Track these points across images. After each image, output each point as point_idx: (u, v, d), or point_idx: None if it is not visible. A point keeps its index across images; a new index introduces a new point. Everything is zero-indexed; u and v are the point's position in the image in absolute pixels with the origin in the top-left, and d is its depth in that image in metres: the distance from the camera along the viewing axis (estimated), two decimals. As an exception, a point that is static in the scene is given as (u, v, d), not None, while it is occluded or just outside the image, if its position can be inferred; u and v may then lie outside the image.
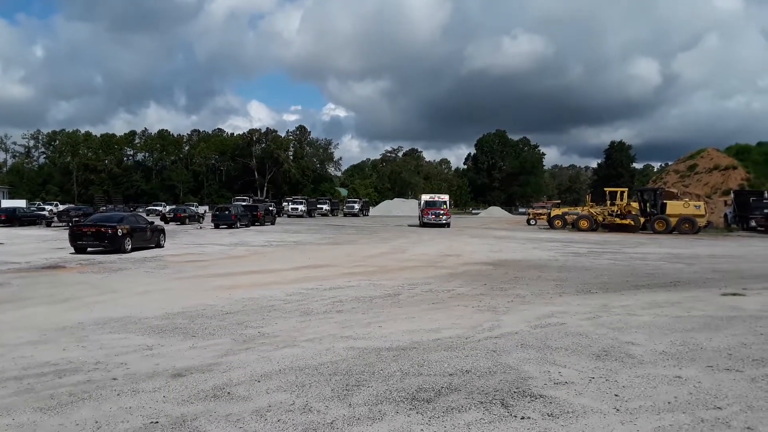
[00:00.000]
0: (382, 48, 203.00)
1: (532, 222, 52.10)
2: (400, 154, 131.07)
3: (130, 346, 7.32)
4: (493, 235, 34.34)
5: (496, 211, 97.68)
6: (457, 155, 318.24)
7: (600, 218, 39.56)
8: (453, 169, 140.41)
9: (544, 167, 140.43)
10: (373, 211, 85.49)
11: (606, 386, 5.81)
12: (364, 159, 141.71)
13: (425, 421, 4.83)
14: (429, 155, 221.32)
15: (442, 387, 5.70)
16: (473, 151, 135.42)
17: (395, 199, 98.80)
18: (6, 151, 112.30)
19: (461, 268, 16.83)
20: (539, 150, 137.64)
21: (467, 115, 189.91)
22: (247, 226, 41.19)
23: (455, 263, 18.16)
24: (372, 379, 5.94)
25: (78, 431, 4.54)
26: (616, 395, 5.53)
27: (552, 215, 44.51)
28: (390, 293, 11.82)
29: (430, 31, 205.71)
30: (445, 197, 47.29)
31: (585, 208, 42.86)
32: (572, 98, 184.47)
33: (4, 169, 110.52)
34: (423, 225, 43.49)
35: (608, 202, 40.31)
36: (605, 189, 43.15)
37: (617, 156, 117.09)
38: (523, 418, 4.94)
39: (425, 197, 46.92)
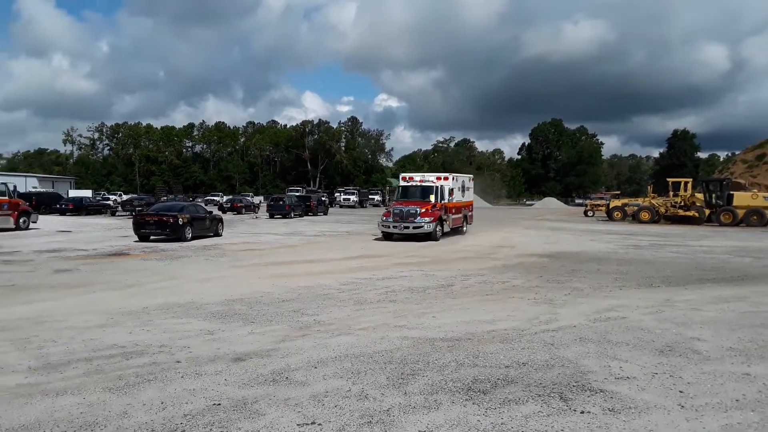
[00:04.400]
0: (436, 37, 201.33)
1: (590, 213, 50.66)
2: (452, 145, 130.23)
3: (192, 331, 7.57)
4: (548, 227, 33.64)
5: (551, 203, 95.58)
6: (511, 145, 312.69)
7: (662, 210, 38.14)
8: (506, 159, 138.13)
9: (603, 157, 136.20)
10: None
11: (670, 382, 5.61)
12: (416, 149, 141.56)
13: (482, 412, 4.79)
14: (482, 145, 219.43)
15: (499, 379, 5.64)
16: (527, 140, 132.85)
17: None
18: (73, 143, 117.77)
19: (515, 259, 16.57)
20: (597, 139, 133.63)
21: (522, 103, 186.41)
22: (300, 216, 41.89)
23: (509, 255, 17.89)
24: (427, 368, 5.94)
25: (145, 411, 4.73)
26: (680, 392, 5.34)
27: (611, 206, 43.15)
28: (443, 284, 11.76)
29: (485, 19, 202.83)
30: (442, 181, 24.15)
31: (646, 199, 41.33)
32: (634, 85, 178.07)
33: (71, 160, 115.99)
34: (385, 237, 22.83)
35: (671, 193, 38.79)
36: (668, 179, 41.46)
37: (681, 145, 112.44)
38: (582, 412, 4.83)
39: (402, 181, 25.23)
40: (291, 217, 40.13)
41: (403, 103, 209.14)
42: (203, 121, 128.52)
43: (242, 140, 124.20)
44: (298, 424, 4.46)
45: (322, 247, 20.80)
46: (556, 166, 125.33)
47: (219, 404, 4.88)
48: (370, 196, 73.58)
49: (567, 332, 7.63)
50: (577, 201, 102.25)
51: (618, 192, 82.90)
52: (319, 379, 5.60)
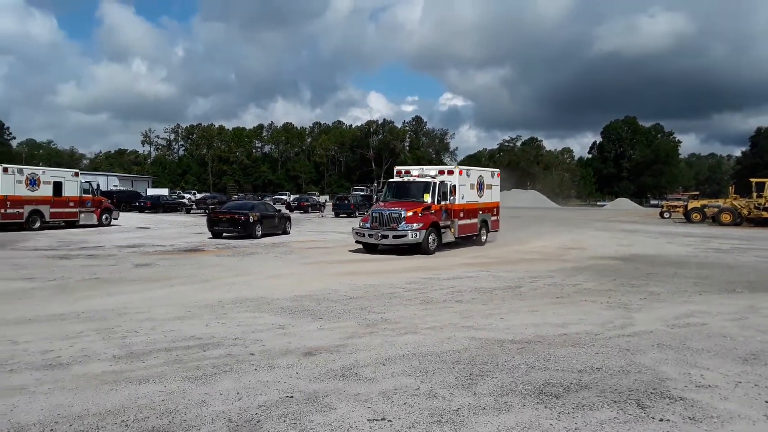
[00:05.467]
0: (504, 34, 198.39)
1: (666, 215, 48.42)
2: (518, 144, 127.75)
3: (264, 325, 7.79)
4: (621, 228, 32.42)
5: (624, 203, 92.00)
6: (582, 144, 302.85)
7: (745, 212, 35.99)
8: (576, 158, 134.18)
9: (680, 156, 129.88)
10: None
11: (755, 392, 5.30)
12: (481, 149, 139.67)
13: (554, 416, 4.67)
14: (550, 144, 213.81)
15: (571, 383, 5.49)
16: (599, 139, 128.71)
17: (513, 189, 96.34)
18: (150, 144, 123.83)
19: (587, 261, 16.08)
20: (674, 137, 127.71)
21: (593, 101, 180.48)
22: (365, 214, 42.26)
23: (580, 257, 17.38)
24: (496, 370, 5.86)
25: (222, 400, 4.91)
26: (766, 402, 5.03)
27: (689, 208, 41.10)
28: (510, 285, 11.57)
29: (555, 15, 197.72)
30: (445, 176, 18.78)
31: (727, 200, 39.09)
32: (714, 80, 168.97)
33: (149, 160, 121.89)
34: (367, 249, 17.88)
35: (754, 194, 36.54)
36: (751, 179, 39.06)
37: (765, 143, 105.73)
38: (661, 420, 4.63)
39: (396, 177, 19.69)
40: (356, 216, 40.53)
41: (468, 102, 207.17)
42: (272, 122, 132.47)
43: (309, 140, 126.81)
44: (368, 420, 4.51)
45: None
46: (630, 166, 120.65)
47: (291, 397, 5.00)
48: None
49: (643, 338, 7.33)
50: (652, 202, 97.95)
51: (696, 192, 78.70)
52: (387, 376, 5.63)
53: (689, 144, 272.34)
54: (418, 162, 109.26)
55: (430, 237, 17.21)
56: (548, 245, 21.28)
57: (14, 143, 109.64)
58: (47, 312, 8.52)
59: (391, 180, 19.73)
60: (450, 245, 18.90)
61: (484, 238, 20.71)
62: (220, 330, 7.48)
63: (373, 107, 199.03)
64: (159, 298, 9.93)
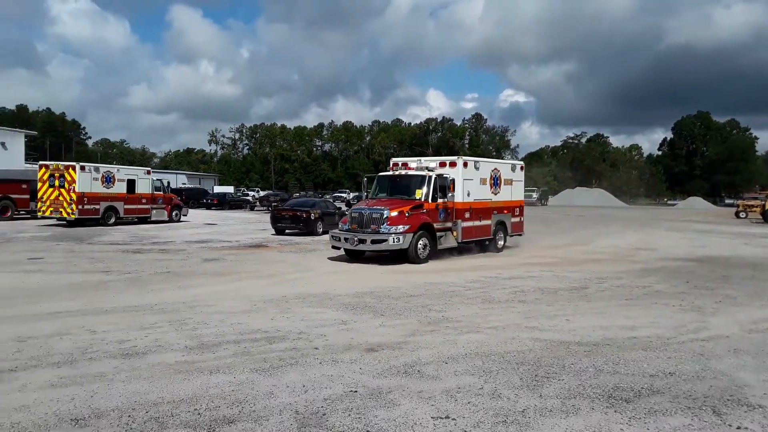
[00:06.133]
0: (568, 28, 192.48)
1: (742, 215, 45.88)
2: (583, 140, 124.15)
3: (327, 320, 7.91)
4: (693, 229, 30.96)
5: (696, 202, 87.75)
6: (651, 140, 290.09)
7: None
8: (645, 155, 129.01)
9: (757, 153, 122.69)
10: (552, 200, 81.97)
11: None
12: (543, 146, 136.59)
13: (625, 420, 4.52)
14: (617, 141, 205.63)
15: (642, 388, 5.29)
16: (669, 135, 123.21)
17: (577, 188, 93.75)
18: (216, 143, 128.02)
19: (657, 263, 15.45)
20: (751, 133, 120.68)
21: (663, 96, 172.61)
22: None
23: (649, 258, 16.72)
24: (563, 372, 5.72)
25: (288, 393, 5.02)
26: None
27: (767, 207, 38.81)
28: (576, 286, 11.26)
29: (623, 7, 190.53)
30: (447, 169, 15.98)
31: (811, 199, 36.66)
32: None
33: (215, 158, 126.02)
34: (351, 256, 15.54)
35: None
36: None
37: None
38: (738, 428, 4.41)
39: (388, 171, 17.05)
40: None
41: (530, 98, 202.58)
42: (332, 120, 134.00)
43: (368, 139, 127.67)
44: (432, 417, 4.50)
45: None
46: (702, 163, 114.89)
47: (356, 391, 5.05)
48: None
49: (719, 342, 6.99)
50: (727, 201, 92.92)
51: (775, 191, 74.29)
52: (450, 374, 5.60)
53: (767, 140, 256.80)
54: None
55: (419, 242, 14.36)
56: (617, 245, 20.58)
57: (90, 143, 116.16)
58: (123, 303, 8.96)
59: (381, 174, 16.80)
60: (452, 251, 16.14)
61: (502, 243, 17.71)
62: (285, 324, 7.66)
63: (433, 105, 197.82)
64: (226, 291, 10.26)
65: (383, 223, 14.19)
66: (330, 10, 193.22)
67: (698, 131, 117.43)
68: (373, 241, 14.11)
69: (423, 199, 14.91)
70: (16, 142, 48.60)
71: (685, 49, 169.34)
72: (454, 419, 4.47)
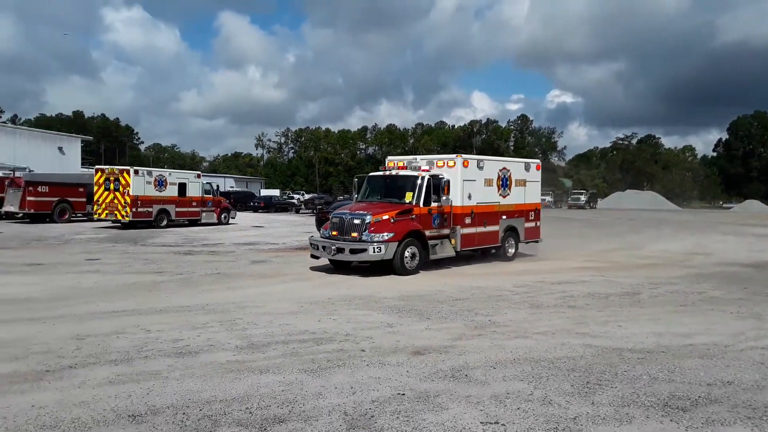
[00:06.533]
0: (618, 27, 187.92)
1: (803, 218, 43.78)
2: (634, 141, 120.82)
3: (373, 323, 7.94)
4: (752, 233, 29.65)
5: (753, 206, 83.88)
6: (705, 141, 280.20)
7: None
8: (699, 156, 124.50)
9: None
10: (601, 203, 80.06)
11: None
12: (592, 147, 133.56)
13: (681, 430, 4.37)
14: (669, 142, 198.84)
15: (700, 396, 5.11)
16: (725, 136, 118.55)
17: (627, 190, 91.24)
18: (263, 147, 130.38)
19: (712, 268, 14.88)
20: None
21: (718, 95, 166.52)
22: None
23: (704, 263, 16.12)
24: (615, 379, 5.57)
25: (337, 394, 5.06)
26: None
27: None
28: (628, 291, 10.96)
29: (674, 4, 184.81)
30: (444, 169, 14.40)
31: None
32: None
33: (262, 162, 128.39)
34: (335, 265, 13.94)
35: None
36: None
37: None
38: (808, 444, 4.19)
39: (383, 169, 15.62)
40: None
41: (578, 99, 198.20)
42: (375, 124, 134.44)
43: (411, 141, 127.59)
44: (481, 422, 4.45)
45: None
46: (760, 165, 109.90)
47: (403, 394, 5.05)
48: (541, 198, 70.95)
49: (783, 352, 6.67)
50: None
51: (842, 194, 70.47)
52: (498, 379, 5.53)
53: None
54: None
55: (406, 251, 12.80)
56: (670, 249, 19.93)
57: (142, 147, 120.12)
58: (175, 303, 9.23)
59: (372, 174, 15.32)
60: (452, 260, 14.57)
61: (512, 251, 16.06)
62: (332, 326, 7.72)
63: (477, 107, 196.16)
64: (273, 293, 10.43)
65: (365, 230, 12.64)
66: (373, 13, 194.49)
67: (755, 131, 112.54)
68: (352, 251, 12.56)
69: (414, 203, 13.42)
70: (73, 147, 50.75)
71: (741, 46, 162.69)
72: (503, 425, 4.42)
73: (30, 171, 34.27)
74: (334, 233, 13.09)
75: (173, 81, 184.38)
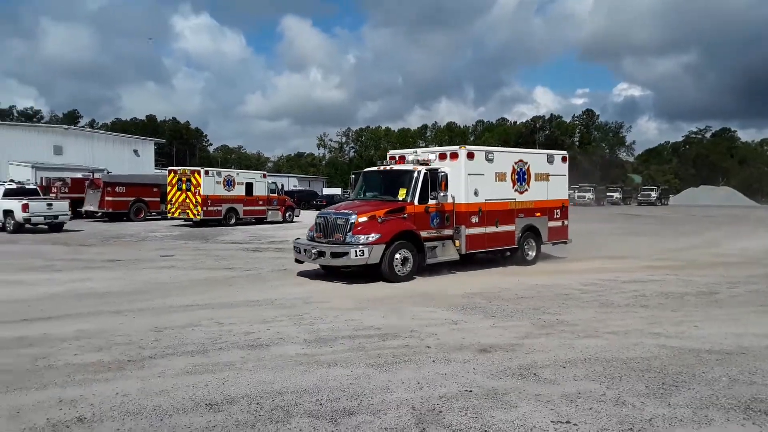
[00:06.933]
0: (688, 16, 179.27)
1: None
2: (707, 135, 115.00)
3: (437, 319, 7.95)
4: (840, 230, 27.69)
5: (842, 202, 78.43)
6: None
7: None
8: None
9: None
10: (673, 199, 76.57)
11: None
12: (663, 142, 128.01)
13: (767, 437, 4.16)
14: (746, 135, 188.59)
15: (787, 402, 4.83)
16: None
17: (701, 186, 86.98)
18: (324, 146, 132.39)
19: (797, 267, 13.99)
20: None
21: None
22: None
23: (788, 261, 15.18)
24: (693, 381, 5.35)
25: (404, 389, 5.11)
26: None
27: None
28: (704, 291, 10.47)
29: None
30: (447, 162, 13.00)
31: None
32: None
33: (323, 162, 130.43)
34: (326, 270, 12.54)
35: None
36: None
37: None
38: None
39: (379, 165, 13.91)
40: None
41: (647, 92, 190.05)
42: (435, 122, 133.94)
43: (471, 139, 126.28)
44: (552, 421, 4.38)
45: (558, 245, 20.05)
46: None
47: (471, 391, 5.04)
48: (608, 194, 68.83)
49: None
50: None
51: None
52: (569, 379, 5.42)
53: None
54: (590, 158, 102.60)
55: (396, 255, 11.34)
56: (749, 247, 18.87)
57: (211, 149, 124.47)
58: (245, 298, 9.54)
59: (368, 170, 14.00)
60: (483, 262, 13.75)
61: (533, 253, 14.29)
62: (396, 321, 7.78)
63: (540, 102, 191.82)
64: (337, 289, 10.60)
65: (348, 231, 11.32)
66: (433, 11, 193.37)
67: None
68: (333, 254, 11.19)
69: (408, 200, 12.04)
70: (147, 149, 53.28)
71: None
72: (575, 425, 4.33)
73: (108, 173, 36.23)
74: (319, 235, 11.95)
75: (239, 85, 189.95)
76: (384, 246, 11.18)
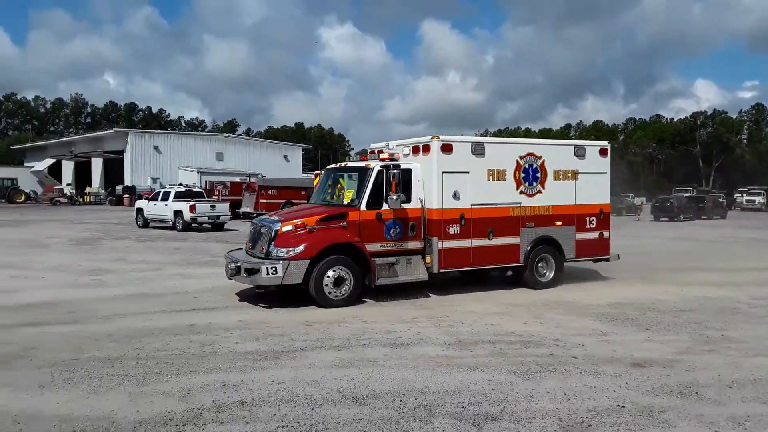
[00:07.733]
0: None
1: None
2: None
3: (584, 329, 7.58)
4: None
5: None
6: None
7: None
8: None
9: None
10: None
11: None
12: None
13: None
14: None
15: None
16: None
17: None
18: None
19: None
20: None
21: None
22: (691, 219, 37.72)
23: None
24: None
25: (549, 399, 4.95)
26: None
27: None
28: None
29: None
30: (413, 156, 10.49)
31: None
32: None
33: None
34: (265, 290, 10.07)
35: None
36: None
37: None
38: None
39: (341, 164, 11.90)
40: (680, 220, 36.48)
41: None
42: (580, 121, 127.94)
43: (621, 138, 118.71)
44: (717, 447, 4.00)
45: (720, 253, 18.23)
46: None
47: (623, 406, 4.75)
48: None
49: None
50: None
51: None
52: (736, 400, 4.91)
53: None
54: (761, 157, 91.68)
55: (329, 273, 9.06)
56: None
57: (352, 153, 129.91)
58: (386, 297, 9.79)
59: (328, 167, 11.78)
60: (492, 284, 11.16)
61: (550, 273, 11.06)
62: (539, 329, 7.55)
63: (701, 96, 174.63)
64: (477, 294, 10.49)
65: (271, 243, 9.30)
66: (578, 5, 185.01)
67: None
68: (248, 271, 9.16)
69: (353, 205, 9.73)
70: (296, 154, 56.93)
71: None
72: (746, 452, 3.91)
73: (262, 176, 39.19)
74: (249, 245, 10.20)
75: (378, 90, 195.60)
76: (307, 262, 8.96)
